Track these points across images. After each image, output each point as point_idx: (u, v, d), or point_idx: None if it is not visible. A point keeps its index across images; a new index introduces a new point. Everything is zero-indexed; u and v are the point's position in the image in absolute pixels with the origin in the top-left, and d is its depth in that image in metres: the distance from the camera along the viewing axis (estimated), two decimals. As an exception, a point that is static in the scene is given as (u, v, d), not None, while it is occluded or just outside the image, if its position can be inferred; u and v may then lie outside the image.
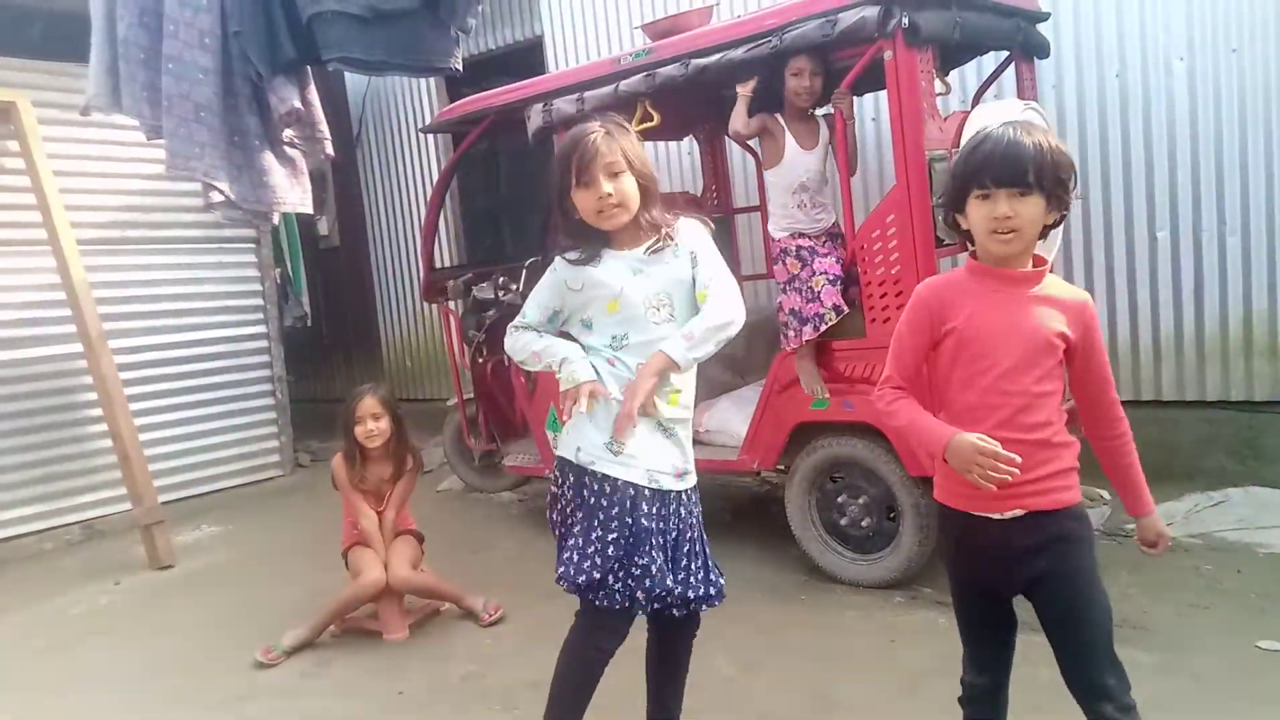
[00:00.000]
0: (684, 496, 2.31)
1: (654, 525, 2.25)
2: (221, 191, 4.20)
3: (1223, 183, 4.26)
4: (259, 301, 6.61)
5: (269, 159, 4.32)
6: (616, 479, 2.23)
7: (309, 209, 4.67)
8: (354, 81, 7.52)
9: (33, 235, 5.33)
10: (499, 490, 5.61)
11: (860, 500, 3.69)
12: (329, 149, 4.49)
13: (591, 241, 2.28)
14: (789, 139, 3.76)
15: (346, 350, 8.24)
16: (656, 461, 2.26)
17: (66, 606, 4.40)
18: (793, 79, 3.70)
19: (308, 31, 4.11)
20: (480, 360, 5.21)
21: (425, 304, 7.20)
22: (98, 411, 5.30)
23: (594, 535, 2.23)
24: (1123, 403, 4.57)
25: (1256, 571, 3.43)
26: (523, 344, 2.37)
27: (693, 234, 2.32)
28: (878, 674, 2.98)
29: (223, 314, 6.41)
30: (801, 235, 3.76)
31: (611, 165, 2.18)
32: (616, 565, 2.21)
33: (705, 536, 2.39)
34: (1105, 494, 4.26)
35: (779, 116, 3.77)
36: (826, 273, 3.57)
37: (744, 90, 3.72)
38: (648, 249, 2.27)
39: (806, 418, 3.74)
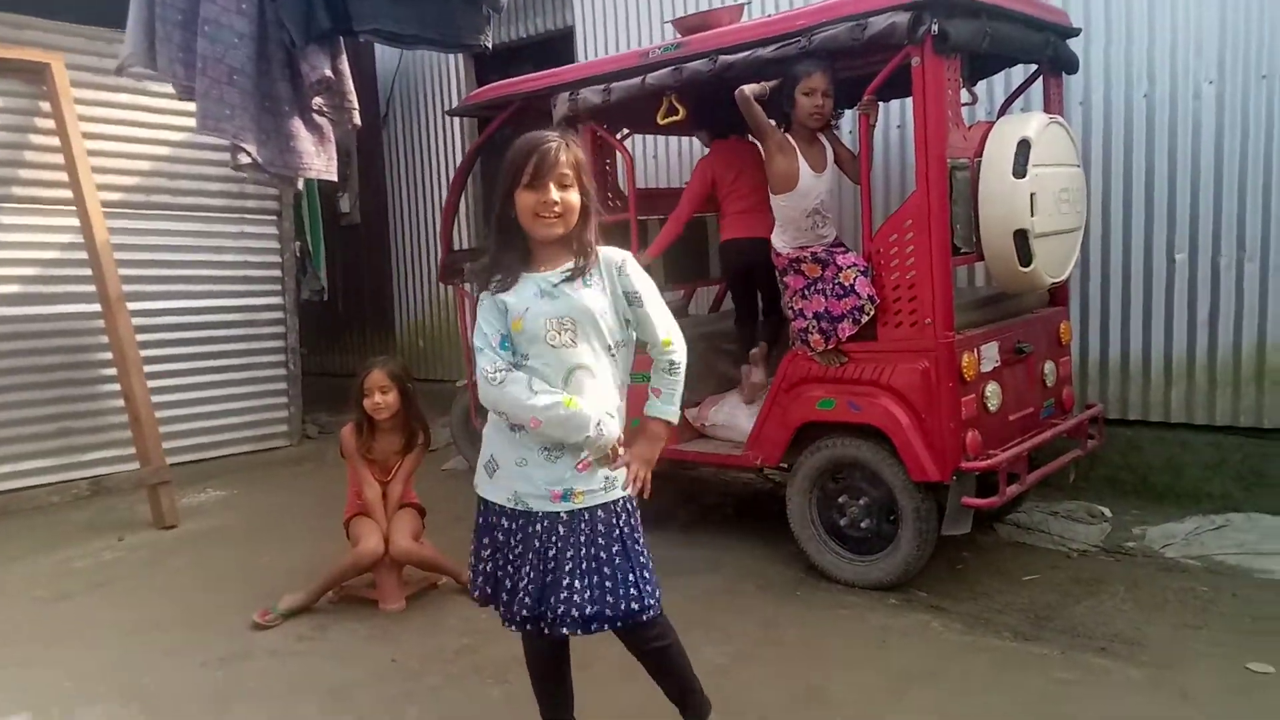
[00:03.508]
0: (562, 516, 2.23)
1: (510, 541, 2.28)
2: (249, 154, 4.26)
3: (1244, 209, 4.25)
4: (277, 273, 6.67)
5: (297, 125, 4.38)
6: (487, 500, 2.33)
7: (334, 177, 4.71)
8: (383, 62, 7.57)
9: (59, 195, 5.41)
10: (503, 473, 5.63)
11: (861, 502, 3.70)
12: (356, 119, 4.53)
13: (513, 250, 2.26)
14: (802, 164, 3.73)
15: (361, 327, 8.29)
16: (523, 485, 2.25)
17: (71, 559, 4.46)
18: (805, 99, 3.67)
19: (342, 3, 4.16)
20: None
21: (440, 286, 7.24)
22: (112, 371, 5.37)
23: (479, 552, 2.36)
24: (1131, 422, 4.51)
25: (1252, 596, 3.42)
26: (512, 399, 2.19)
27: (621, 266, 2.28)
28: (867, 672, 2.99)
29: (241, 283, 6.48)
30: (808, 248, 3.78)
31: (563, 178, 2.19)
32: (493, 580, 2.32)
33: (623, 552, 2.27)
34: (1106, 511, 4.28)
35: (790, 137, 3.77)
36: (855, 265, 3.58)
37: (762, 85, 3.71)
38: (562, 274, 2.24)
39: (812, 417, 3.75)
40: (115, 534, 4.81)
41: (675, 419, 2.33)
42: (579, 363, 2.22)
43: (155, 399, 5.33)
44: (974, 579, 3.70)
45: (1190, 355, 4.43)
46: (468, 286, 5.43)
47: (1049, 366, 3.98)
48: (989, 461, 3.44)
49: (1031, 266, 3.52)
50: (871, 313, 3.53)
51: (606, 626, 2.26)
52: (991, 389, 3.59)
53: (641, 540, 2.33)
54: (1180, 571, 3.69)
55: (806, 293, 3.74)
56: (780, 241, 3.89)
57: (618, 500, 2.29)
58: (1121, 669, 2.92)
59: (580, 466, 2.24)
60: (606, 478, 2.27)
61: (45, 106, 5.38)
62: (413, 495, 3.94)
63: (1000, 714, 2.70)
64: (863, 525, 3.70)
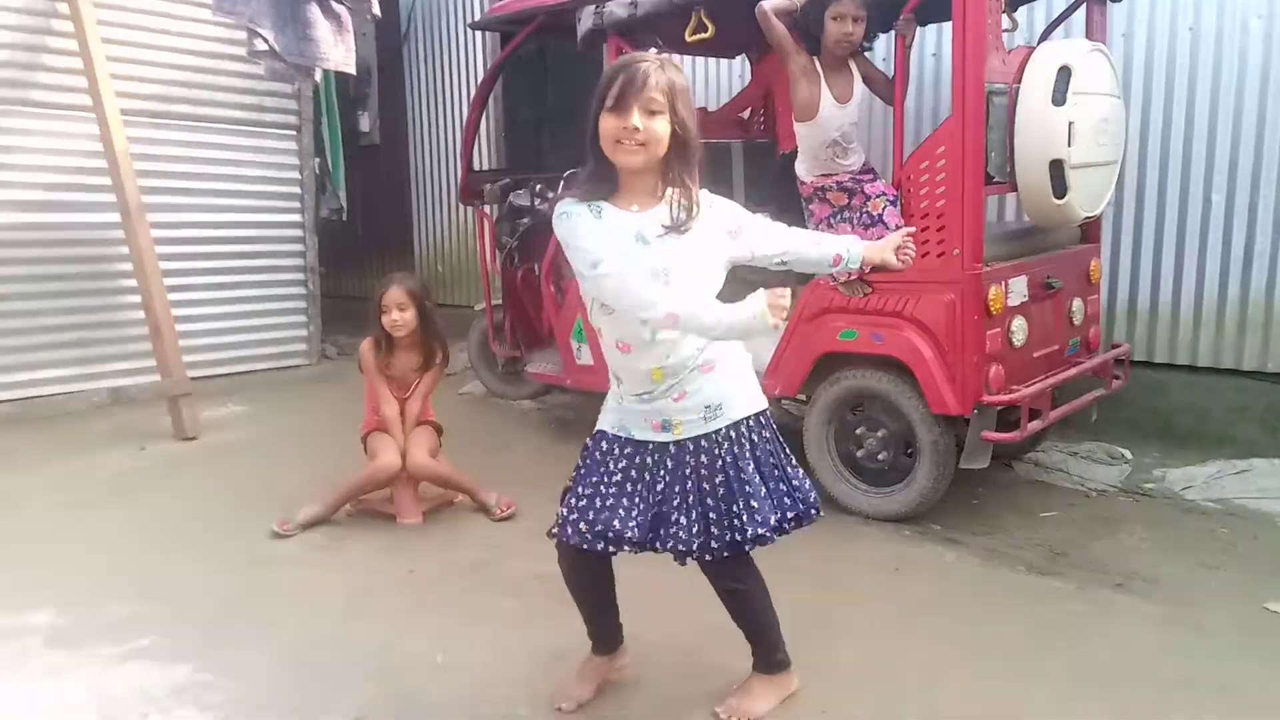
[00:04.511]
0: (669, 448, 2.20)
1: (611, 467, 2.24)
2: (265, 39, 4.17)
3: (1287, 149, 4.13)
4: (296, 190, 6.61)
5: (315, 13, 4.28)
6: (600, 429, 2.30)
7: (351, 69, 4.63)
8: (406, -23, 7.40)
9: (78, 100, 5.34)
10: (520, 397, 5.65)
11: (879, 434, 3.68)
12: (376, 8, 4.41)
13: (604, 181, 2.12)
14: (824, 92, 3.61)
15: (380, 249, 8.25)
16: (625, 417, 2.24)
17: (92, 467, 4.51)
18: (834, 24, 3.52)
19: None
20: (511, 266, 5.20)
21: (461, 210, 7.18)
22: (132, 282, 5.36)
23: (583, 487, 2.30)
24: (1156, 365, 4.42)
25: (1273, 539, 3.41)
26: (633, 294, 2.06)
27: (712, 203, 2.18)
28: (879, 601, 3.01)
29: (260, 199, 6.43)
30: (831, 176, 3.69)
31: (651, 102, 2.02)
32: (575, 500, 2.28)
33: (726, 483, 2.19)
34: (1126, 452, 4.25)
35: (817, 63, 3.64)
36: (884, 194, 3.49)
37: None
38: (662, 222, 2.09)
39: (833, 348, 3.71)
40: (136, 444, 4.85)
41: (856, 247, 2.36)
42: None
43: (175, 313, 5.33)
44: (990, 514, 3.70)
45: (1221, 298, 4.34)
46: (487, 209, 5.38)
47: (1077, 304, 3.91)
48: (1011, 396, 3.40)
49: (1066, 199, 3.43)
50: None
51: (709, 557, 2.21)
52: (1018, 324, 3.53)
53: (751, 471, 2.20)
54: (1200, 514, 3.67)
55: (832, 221, 3.68)
56: (803, 169, 3.80)
57: (720, 430, 2.19)
58: (1137, 604, 2.92)
59: (675, 398, 2.18)
60: (706, 407, 2.19)
61: (63, 9, 5.29)
62: (430, 413, 3.95)
63: (1013, 644, 2.71)
64: (880, 457, 3.69)
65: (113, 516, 3.89)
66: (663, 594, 2.82)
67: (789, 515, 2.24)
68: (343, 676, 2.59)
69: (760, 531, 2.18)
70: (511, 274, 5.20)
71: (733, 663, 2.61)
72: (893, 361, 3.55)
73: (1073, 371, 3.78)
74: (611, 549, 2.24)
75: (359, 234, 8.22)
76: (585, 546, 2.23)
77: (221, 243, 6.26)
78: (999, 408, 3.42)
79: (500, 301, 5.29)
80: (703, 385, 2.18)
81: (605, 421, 2.31)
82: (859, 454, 3.73)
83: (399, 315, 3.72)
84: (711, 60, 5.63)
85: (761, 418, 2.27)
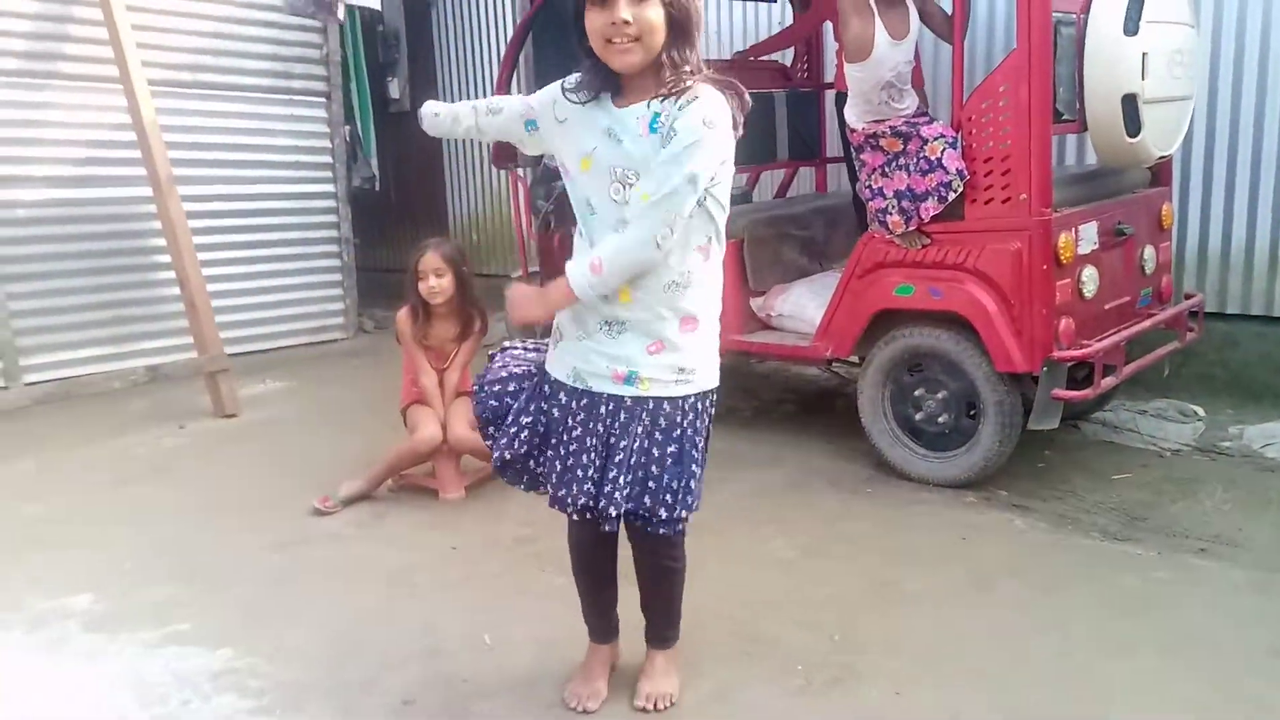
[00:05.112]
0: (626, 401, 1.97)
1: (569, 421, 2.02)
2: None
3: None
4: (328, 159, 6.50)
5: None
6: (545, 370, 2.10)
7: (376, 6, 4.46)
8: (431, -65, 7.21)
9: (104, 72, 5.24)
10: (560, 366, 5.52)
11: (939, 395, 3.50)
12: None
13: (600, 82, 1.90)
14: (879, 29, 3.40)
15: (414, 219, 8.12)
16: (583, 363, 2.00)
17: (132, 445, 4.46)
18: None
19: None
20: (547, 232, 5.05)
21: (495, 175, 7.03)
22: (165, 257, 5.27)
23: (519, 419, 2.09)
24: (1229, 315, 4.16)
25: (1364, 499, 3.20)
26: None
27: (688, 104, 1.82)
28: (946, 568, 2.85)
29: (291, 169, 6.32)
30: (884, 121, 3.48)
31: None
32: (527, 450, 2.09)
33: (678, 455, 1.98)
34: (1199, 409, 4.03)
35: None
36: (943, 136, 3.28)
37: None
38: (636, 115, 1.87)
39: (888, 305, 3.53)
40: (175, 421, 4.80)
41: (576, 283, 1.87)
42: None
43: (210, 288, 5.24)
44: (1059, 478, 3.51)
45: (1300, 243, 4.09)
46: (521, 172, 5.22)
47: (1149, 252, 3.68)
48: (1083, 351, 3.21)
49: (1139, 137, 3.20)
50: (960, 189, 3.26)
51: (639, 524, 2.03)
52: (1088, 273, 3.32)
53: (702, 447, 2.04)
54: (1281, 472, 3.46)
55: (887, 170, 3.47)
56: (853, 115, 3.60)
57: (689, 398, 1.99)
58: (1224, 570, 2.74)
59: (651, 348, 1.96)
60: (680, 369, 1.97)
61: (85, -22, 5.19)
62: (470, 384, 3.82)
63: (1094, 615, 2.54)
64: (940, 420, 3.51)
65: (153, 496, 3.83)
66: (707, 568, 2.69)
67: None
68: (388, 658, 2.49)
69: (682, 513, 2.00)
70: (548, 239, 5.05)
71: (782, 634, 2.49)
72: (953, 317, 3.36)
73: (1146, 324, 3.57)
74: (573, 514, 2.04)
75: (392, 204, 8.10)
76: (575, 516, 2.04)
77: (254, 215, 6.16)
78: (1070, 364, 3.23)
79: (537, 268, 5.14)
80: (681, 343, 1.96)
81: (558, 366, 2.05)
82: (918, 417, 3.55)
83: (436, 281, 3.60)
84: (749, 4, 5.39)
85: (712, 397, 2.06)
